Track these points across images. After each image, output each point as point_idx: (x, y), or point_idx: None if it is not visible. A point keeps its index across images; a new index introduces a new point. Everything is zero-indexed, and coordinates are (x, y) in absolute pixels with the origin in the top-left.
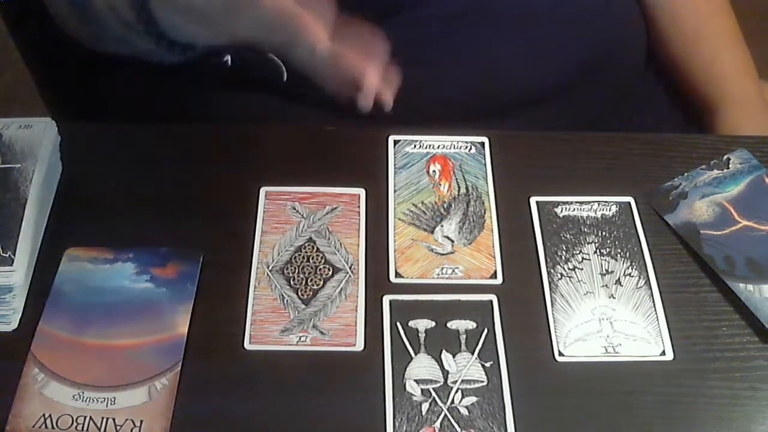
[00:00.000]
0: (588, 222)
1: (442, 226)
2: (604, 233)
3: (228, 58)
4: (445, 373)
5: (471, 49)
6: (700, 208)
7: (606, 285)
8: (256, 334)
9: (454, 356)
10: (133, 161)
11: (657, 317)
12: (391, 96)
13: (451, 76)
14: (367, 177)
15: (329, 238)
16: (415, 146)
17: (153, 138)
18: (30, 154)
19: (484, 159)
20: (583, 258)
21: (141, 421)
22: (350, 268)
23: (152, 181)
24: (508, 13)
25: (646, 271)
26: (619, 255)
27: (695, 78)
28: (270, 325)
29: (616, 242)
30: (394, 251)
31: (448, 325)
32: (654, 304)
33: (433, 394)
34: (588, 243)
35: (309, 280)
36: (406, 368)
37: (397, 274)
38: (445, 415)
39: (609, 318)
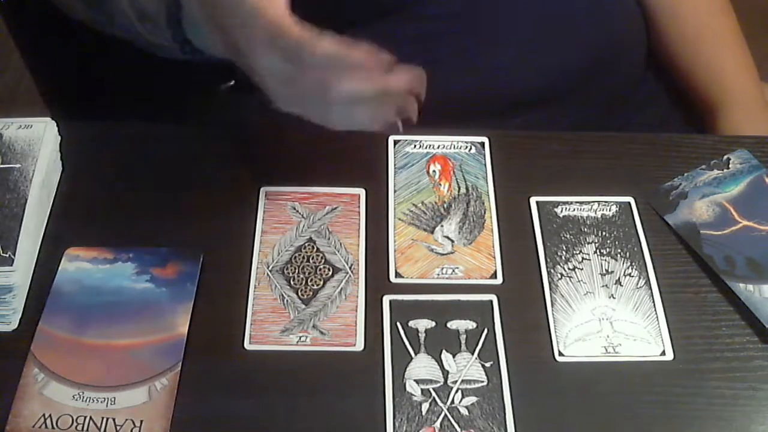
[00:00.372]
0: (588, 222)
1: (442, 226)
2: (604, 233)
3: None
4: (445, 373)
5: (471, 49)
6: (700, 208)
7: (606, 285)
8: (256, 334)
9: (454, 356)
10: (133, 161)
11: (657, 317)
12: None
13: (451, 77)
14: (367, 177)
15: (329, 238)
16: (415, 146)
17: (153, 138)
18: (30, 154)
19: (484, 159)
20: (583, 258)
21: (141, 421)
22: (350, 268)
23: (152, 181)
24: (508, 13)
25: (646, 271)
26: (619, 255)
27: (695, 78)
28: (270, 325)
29: (616, 242)
30: (394, 251)
31: (448, 325)
32: (654, 304)
33: (433, 394)
34: (588, 243)
35: (309, 280)
36: (406, 368)
37: (397, 274)
38: (445, 415)
39: (609, 318)
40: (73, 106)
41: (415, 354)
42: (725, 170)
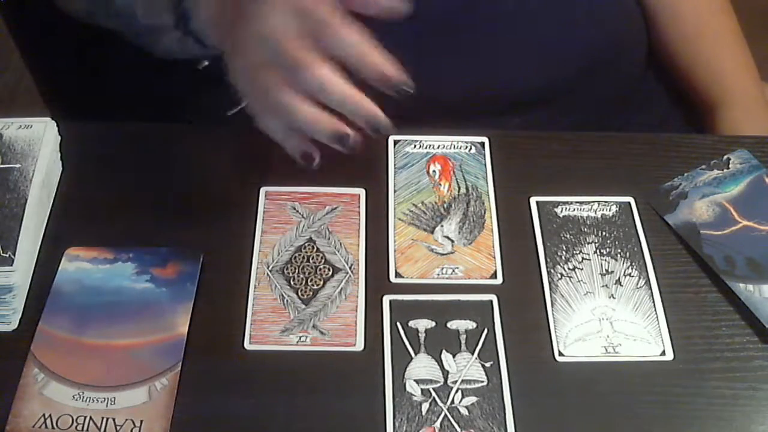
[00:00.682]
0: (588, 222)
1: (442, 226)
2: (604, 233)
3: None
4: (445, 373)
5: (471, 48)
6: (700, 208)
7: (606, 285)
8: (256, 334)
9: (454, 356)
10: (133, 161)
11: (657, 317)
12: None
13: (450, 76)
14: (367, 177)
15: (329, 238)
16: (415, 146)
17: (153, 138)
18: (30, 154)
19: (484, 159)
20: (583, 258)
21: (141, 421)
22: (350, 268)
23: (152, 181)
24: (507, 12)
25: (646, 271)
26: (619, 255)
27: (696, 77)
28: (270, 325)
29: (616, 242)
30: (394, 251)
31: (448, 325)
32: (654, 304)
33: (433, 394)
34: (588, 243)
35: (309, 280)
36: (406, 368)
37: (397, 274)
38: (445, 415)
39: (609, 318)
40: (73, 106)
41: (415, 354)
42: (725, 170)
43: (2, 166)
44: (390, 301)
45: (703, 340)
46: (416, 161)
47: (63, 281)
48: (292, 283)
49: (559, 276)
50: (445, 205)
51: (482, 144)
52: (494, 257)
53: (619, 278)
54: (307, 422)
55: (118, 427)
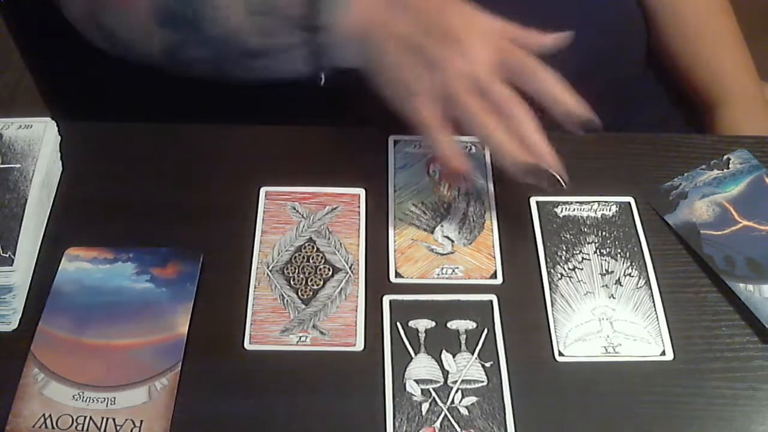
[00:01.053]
0: (588, 222)
1: (442, 226)
2: (604, 233)
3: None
4: (445, 373)
5: None
6: (700, 208)
7: (606, 285)
8: (256, 334)
9: (454, 356)
10: (133, 161)
11: (657, 317)
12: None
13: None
14: (367, 177)
15: (329, 238)
16: (415, 146)
17: (153, 138)
18: (30, 154)
19: (484, 159)
20: (583, 258)
21: (141, 421)
22: (350, 268)
23: (152, 181)
24: (506, 13)
25: (646, 271)
26: (619, 255)
27: (695, 77)
28: (270, 325)
29: (616, 242)
30: (394, 251)
31: (448, 325)
32: (654, 304)
33: (433, 394)
34: (588, 243)
35: (309, 280)
36: (406, 368)
37: (397, 274)
38: (445, 415)
39: (609, 318)
40: (73, 106)
41: (415, 354)
42: (725, 170)
43: (2, 166)
44: (390, 301)
45: (703, 340)
46: (416, 161)
47: (63, 281)
48: (292, 283)
49: (559, 276)
50: (445, 205)
51: (482, 144)
52: (494, 257)
53: (619, 278)
54: (307, 422)
55: (118, 427)
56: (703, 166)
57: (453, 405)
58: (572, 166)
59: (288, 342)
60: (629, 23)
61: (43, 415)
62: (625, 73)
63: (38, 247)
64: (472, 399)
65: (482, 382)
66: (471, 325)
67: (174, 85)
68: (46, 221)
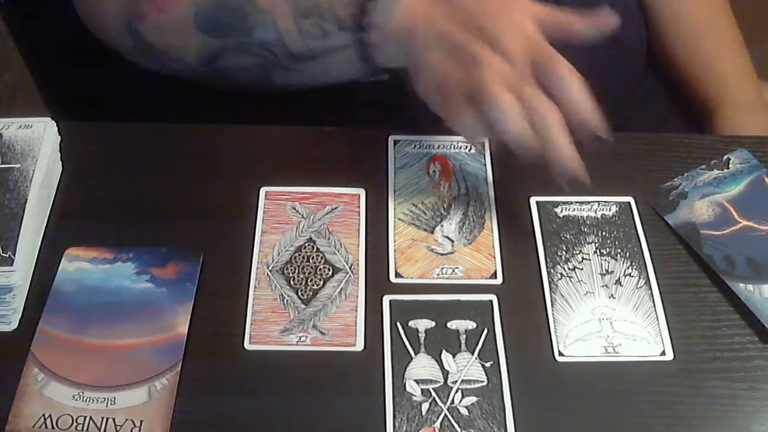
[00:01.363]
0: (588, 222)
1: (442, 226)
2: (604, 233)
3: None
4: (445, 373)
5: None
6: (700, 208)
7: (606, 285)
8: (256, 334)
9: (454, 356)
10: (133, 161)
11: (657, 317)
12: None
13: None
14: (367, 177)
15: (329, 238)
16: (415, 146)
17: (153, 138)
18: (30, 154)
19: (484, 159)
20: (583, 258)
21: (141, 421)
22: (350, 268)
23: (152, 181)
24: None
25: (646, 271)
26: (619, 255)
27: (695, 78)
28: (270, 325)
29: (616, 242)
30: (394, 251)
31: (448, 325)
32: (654, 304)
33: (433, 394)
34: (588, 243)
35: (309, 280)
36: (406, 368)
37: (397, 274)
38: (445, 415)
39: (609, 318)
40: (73, 106)
41: (415, 354)
42: (725, 170)
43: (2, 166)
44: (390, 301)
45: (703, 340)
46: (416, 161)
47: (63, 281)
48: (292, 283)
49: (559, 276)
50: (445, 205)
51: (482, 144)
52: (494, 257)
53: (619, 278)
54: (307, 422)
55: (118, 427)
56: (703, 166)
57: (453, 405)
58: None
59: (288, 342)
60: (629, 23)
61: (43, 415)
62: (625, 74)
63: (38, 247)
64: (472, 399)
65: (482, 382)
66: (471, 325)
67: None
68: (46, 221)
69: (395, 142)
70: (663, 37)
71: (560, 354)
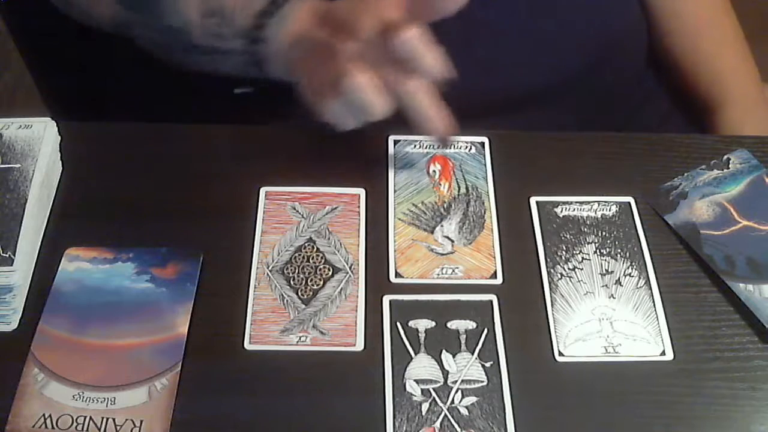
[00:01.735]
0: (588, 222)
1: (442, 226)
2: (604, 233)
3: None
4: (445, 373)
5: (471, 47)
6: (700, 208)
7: (606, 285)
8: (256, 334)
9: (454, 356)
10: (133, 161)
11: (657, 317)
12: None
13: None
14: (367, 177)
15: (329, 238)
16: (415, 146)
17: (153, 138)
18: (30, 154)
19: (484, 159)
20: (583, 258)
21: (141, 421)
22: (350, 268)
23: (152, 181)
24: (508, 12)
25: (646, 271)
26: (619, 255)
27: (696, 77)
28: (270, 325)
29: (616, 242)
30: (394, 251)
31: (448, 325)
32: (654, 304)
33: (433, 394)
34: (588, 243)
35: (309, 280)
36: (406, 368)
37: (397, 274)
38: (445, 415)
39: (609, 318)
40: (73, 106)
41: (415, 354)
42: (725, 170)
43: (2, 166)
44: (390, 301)
45: (703, 340)
46: (416, 161)
47: (63, 281)
48: (292, 283)
49: (559, 276)
50: (445, 205)
51: (482, 144)
52: (494, 257)
53: (619, 278)
54: (307, 422)
55: (118, 427)
56: (703, 166)
57: (453, 405)
58: (572, 166)
59: (288, 342)
60: (630, 23)
61: (43, 415)
62: (625, 72)
63: (38, 247)
64: (472, 399)
65: (482, 382)
66: (471, 325)
67: (174, 84)
68: (46, 221)
69: (395, 142)
70: (664, 35)
71: (560, 354)
